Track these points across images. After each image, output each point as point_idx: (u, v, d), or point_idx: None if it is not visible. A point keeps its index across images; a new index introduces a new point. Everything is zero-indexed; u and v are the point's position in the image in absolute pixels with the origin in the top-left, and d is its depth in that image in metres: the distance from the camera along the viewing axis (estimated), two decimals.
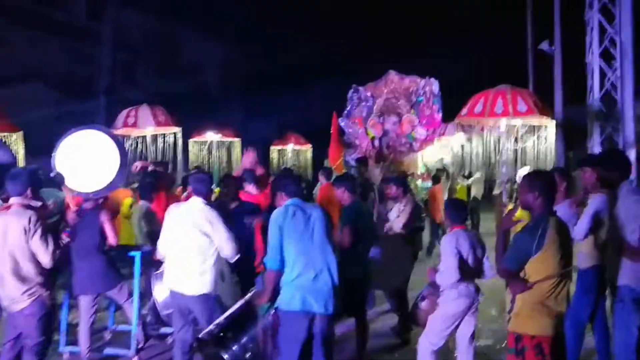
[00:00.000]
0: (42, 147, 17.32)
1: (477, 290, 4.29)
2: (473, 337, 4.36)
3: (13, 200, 3.79)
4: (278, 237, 3.68)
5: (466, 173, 14.94)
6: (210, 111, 20.14)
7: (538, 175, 3.54)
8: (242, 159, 6.74)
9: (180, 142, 10.81)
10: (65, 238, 3.80)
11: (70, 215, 3.91)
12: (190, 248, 4.38)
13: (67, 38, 20.30)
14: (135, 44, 22.77)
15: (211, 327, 3.85)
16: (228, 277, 5.15)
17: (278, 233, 3.68)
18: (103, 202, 5.23)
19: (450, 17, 25.29)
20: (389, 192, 6.11)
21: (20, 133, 7.61)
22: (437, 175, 12.81)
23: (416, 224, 6.12)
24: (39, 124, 18.13)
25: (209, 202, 4.69)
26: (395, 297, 5.93)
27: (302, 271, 3.63)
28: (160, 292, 4.99)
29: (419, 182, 16.99)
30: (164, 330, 5.97)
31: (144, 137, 10.69)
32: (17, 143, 7.52)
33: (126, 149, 4.06)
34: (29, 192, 3.81)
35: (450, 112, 17.90)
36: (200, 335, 3.94)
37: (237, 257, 4.37)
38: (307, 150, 16.63)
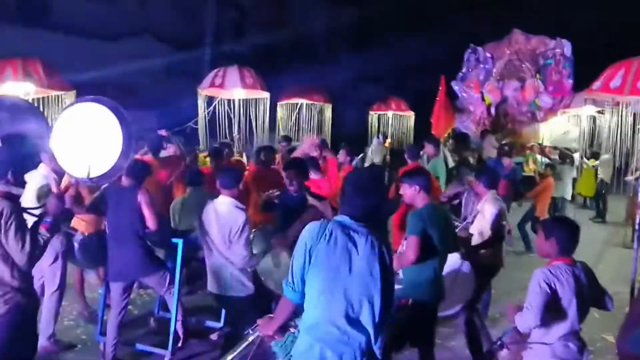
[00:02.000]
0: (150, 101, 17.71)
1: (582, 349, 3.06)
2: None
3: None
4: (302, 261, 2.61)
5: (588, 153, 12.76)
6: (313, 70, 19.42)
7: None
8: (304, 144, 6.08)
9: (267, 107, 10.12)
10: (44, 232, 3.13)
11: (52, 202, 3.16)
12: (220, 250, 4.07)
13: None
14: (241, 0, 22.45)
15: None
16: (284, 265, 4.43)
17: (304, 255, 2.60)
18: (142, 180, 4.65)
19: None
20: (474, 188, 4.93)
21: (73, 93, 7.15)
22: (554, 163, 10.83)
23: (498, 231, 4.80)
24: (149, 77, 18.70)
25: (240, 199, 4.24)
26: (465, 326, 4.77)
27: (324, 318, 2.59)
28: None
29: (539, 156, 15.04)
30: (210, 323, 5.38)
31: (230, 100, 10.12)
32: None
33: (131, 128, 3.24)
34: (9, 176, 3.14)
35: (582, 79, 15.64)
36: None
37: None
38: (409, 116, 15.28)
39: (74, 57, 15.60)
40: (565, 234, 3.08)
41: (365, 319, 2.57)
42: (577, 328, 3.05)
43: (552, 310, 2.95)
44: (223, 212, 4.07)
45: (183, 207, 5.74)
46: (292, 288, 2.65)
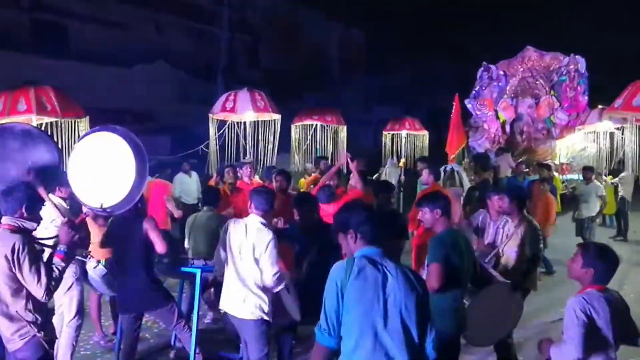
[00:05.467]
0: (164, 126, 17.77)
1: None
2: None
3: (3, 220, 3.13)
4: (336, 303, 2.48)
5: (605, 170, 12.47)
6: (326, 91, 19.50)
7: None
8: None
9: (278, 129, 10.07)
10: (59, 262, 3.08)
11: (63, 231, 3.11)
12: (242, 270, 4.02)
13: (191, 20, 20.71)
14: (255, 25, 22.69)
15: None
16: (293, 292, 4.36)
17: (336, 296, 2.48)
18: (143, 206, 4.53)
19: None
20: (499, 206, 4.82)
21: (86, 119, 7.13)
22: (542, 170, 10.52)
23: (533, 252, 4.68)
24: (163, 102, 18.90)
25: (269, 221, 4.18)
26: (497, 350, 4.63)
27: (363, 357, 2.46)
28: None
29: (556, 174, 14.81)
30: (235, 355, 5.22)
31: (242, 122, 10.11)
32: (83, 130, 7.05)
33: (145, 157, 3.19)
34: (23, 210, 3.13)
35: (597, 95, 15.48)
36: None
37: (278, 289, 3.99)
38: (423, 135, 15.19)
39: (89, 83, 15.83)
40: (606, 265, 2.97)
41: (403, 354, 2.47)
42: (614, 358, 2.90)
43: (590, 341, 2.81)
44: (250, 230, 4.01)
45: (193, 225, 5.68)
46: (328, 333, 2.51)
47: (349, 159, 6.53)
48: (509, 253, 4.71)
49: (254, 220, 4.07)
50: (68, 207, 4.76)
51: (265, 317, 4.03)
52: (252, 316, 4.01)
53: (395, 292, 2.48)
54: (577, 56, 16.51)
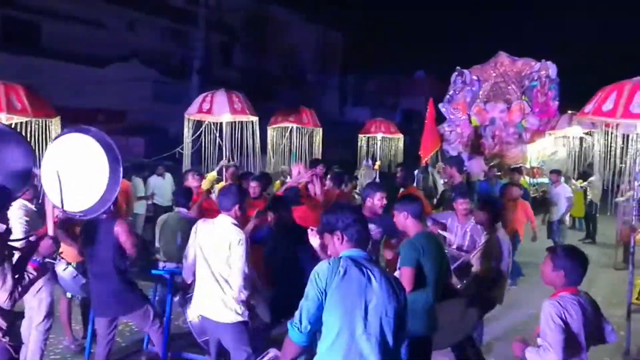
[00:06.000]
0: (138, 126, 17.52)
1: None
2: None
3: None
4: (317, 302, 2.47)
5: (574, 174, 12.80)
6: (302, 93, 19.54)
7: None
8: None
9: (257, 131, 9.99)
10: (32, 271, 3.04)
11: (45, 243, 3.09)
12: (216, 271, 3.98)
13: (166, 19, 20.51)
14: (231, 25, 22.58)
15: None
16: (263, 294, 4.45)
17: (318, 296, 2.47)
18: (115, 208, 4.46)
19: None
20: (464, 208, 4.92)
21: (58, 119, 6.93)
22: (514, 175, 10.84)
23: (501, 266, 4.69)
24: (137, 102, 18.66)
25: (239, 221, 4.12)
26: (455, 351, 4.67)
27: (340, 357, 2.47)
28: (194, 315, 4.26)
29: (527, 178, 15.10)
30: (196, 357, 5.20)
31: (219, 124, 10.00)
32: (54, 130, 6.84)
33: (119, 160, 3.16)
34: None
35: (568, 100, 15.82)
36: None
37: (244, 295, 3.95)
38: (398, 139, 15.32)
39: (61, 82, 15.54)
40: (575, 266, 3.01)
41: (377, 358, 2.48)
42: (585, 359, 2.97)
43: (567, 346, 2.85)
44: (221, 230, 3.99)
45: (164, 226, 5.64)
46: (299, 329, 2.51)
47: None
48: (478, 264, 4.77)
49: (224, 219, 4.05)
50: (35, 210, 4.68)
51: (242, 318, 4.00)
52: (230, 319, 3.97)
53: (377, 297, 2.49)
54: (548, 62, 16.85)
